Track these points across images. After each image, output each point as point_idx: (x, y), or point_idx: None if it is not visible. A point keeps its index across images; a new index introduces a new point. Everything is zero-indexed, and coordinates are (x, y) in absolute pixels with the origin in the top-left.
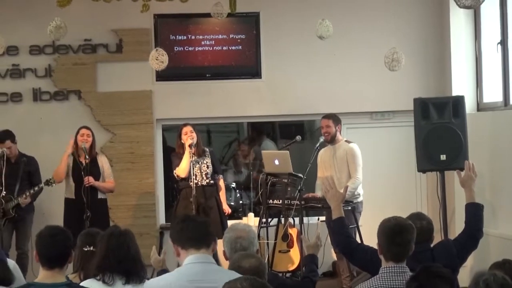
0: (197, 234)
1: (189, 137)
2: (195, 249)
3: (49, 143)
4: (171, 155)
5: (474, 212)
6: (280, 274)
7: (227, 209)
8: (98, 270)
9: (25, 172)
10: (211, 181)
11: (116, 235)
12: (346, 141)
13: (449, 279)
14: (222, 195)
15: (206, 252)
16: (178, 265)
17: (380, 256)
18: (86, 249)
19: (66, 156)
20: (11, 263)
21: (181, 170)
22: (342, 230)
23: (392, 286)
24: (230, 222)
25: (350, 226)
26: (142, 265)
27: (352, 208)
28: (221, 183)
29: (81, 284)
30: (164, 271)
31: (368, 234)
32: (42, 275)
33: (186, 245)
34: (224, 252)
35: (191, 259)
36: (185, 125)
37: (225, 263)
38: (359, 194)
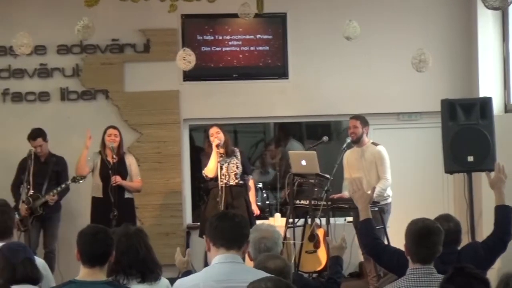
0: (231, 235)
1: (215, 137)
2: (226, 249)
3: (77, 143)
4: (201, 155)
5: (504, 215)
6: (307, 275)
7: (256, 210)
8: (111, 274)
9: (53, 172)
10: (240, 182)
11: (124, 238)
12: (372, 143)
13: (485, 281)
14: (252, 195)
15: (236, 253)
16: (205, 266)
17: (407, 256)
18: None
19: (86, 150)
20: (40, 262)
21: (209, 170)
22: (369, 232)
23: (419, 287)
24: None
25: (377, 227)
26: (155, 264)
27: (380, 209)
28: (251, 183)
29: None
30: (188, 272)
31: (395, 235)
32: (83, 273)
33: (217, 243)
34: (248, 252)
35: (219, 259)
36: (212, 126)
37: (250, 264)
38: (388, 196)
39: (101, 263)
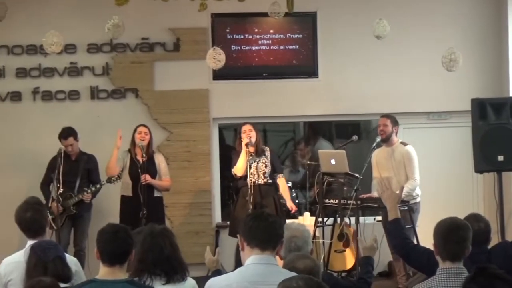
0: (266, 236)
1: (247, 135)
2: (260, 250)
3: (106, 141)
4: (232, 153)
5: None
6: (336, 274)
7: (292, 207)
8: (136, 273)
9: (85, 170)
10: (269, 180)
11: (149, 237)
12: (401, 143)
13: (509, 281)
14: (285, 192)
15: (271, 254)
16: (237, 265)
17: (437, 257)
18: None
19: (116, 150)
20: (72, 259)
21: (238, 169)
22: (398, 232)
23: (448, 287)
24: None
25: (407, 227)
26: (180, 263)
27: (409, 208)
28: (281, 181)
29: None
30: (218, 271)
31: (425, 235)
32: (103, 271)
33: (252, 243)
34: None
35: (253, 260)
36: (245, 123)
37: (280, 262)
38: (417, 195)
39: (121, 262)
